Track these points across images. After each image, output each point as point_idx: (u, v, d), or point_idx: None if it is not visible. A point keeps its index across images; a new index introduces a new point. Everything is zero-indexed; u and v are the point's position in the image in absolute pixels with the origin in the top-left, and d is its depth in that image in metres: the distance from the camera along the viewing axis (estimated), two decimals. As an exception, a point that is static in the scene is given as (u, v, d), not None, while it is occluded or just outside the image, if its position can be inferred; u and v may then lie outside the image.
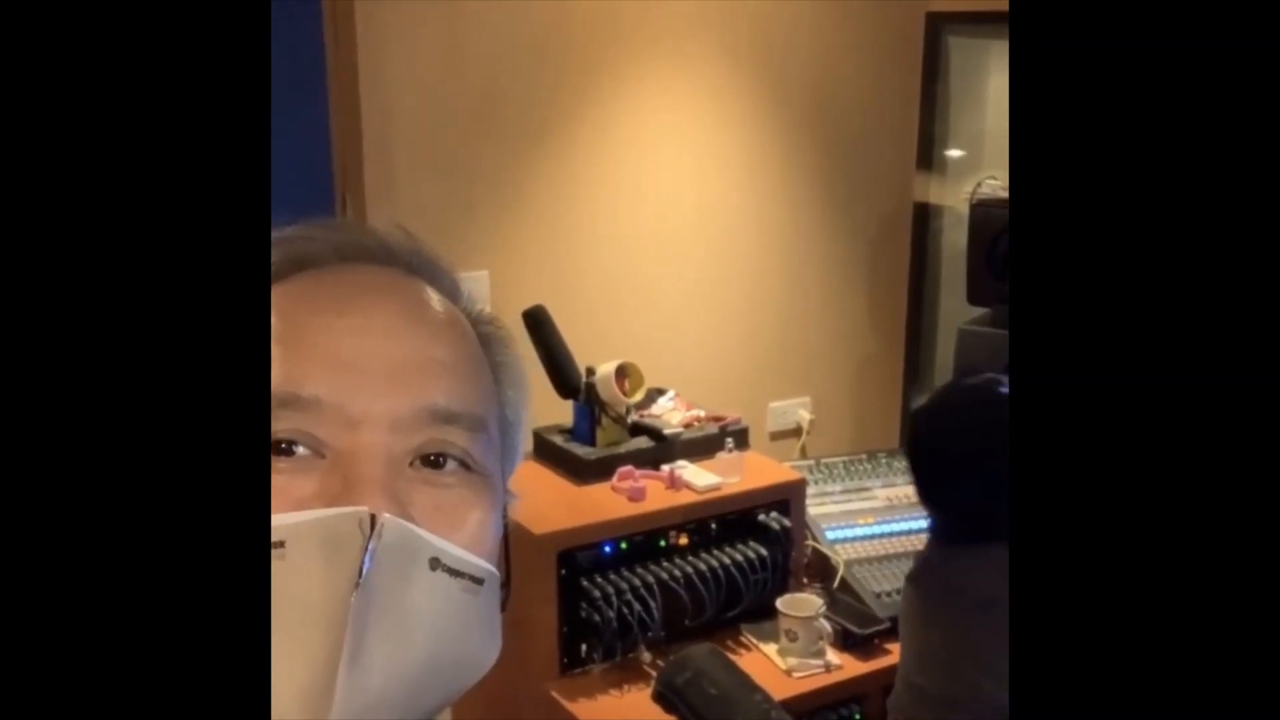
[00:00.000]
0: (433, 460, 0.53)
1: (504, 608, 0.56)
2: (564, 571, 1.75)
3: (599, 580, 1.77)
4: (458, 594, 0.52)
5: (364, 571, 0.48)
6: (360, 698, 0.48)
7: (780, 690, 1.66)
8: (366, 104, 1.93)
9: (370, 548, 0.48)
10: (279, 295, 0.55)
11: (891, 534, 2.07)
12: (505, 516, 0.58)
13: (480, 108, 2.04)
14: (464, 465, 0.54)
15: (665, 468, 1.92)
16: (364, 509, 0.49)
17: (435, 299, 0.58)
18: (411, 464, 0.53)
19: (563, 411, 2.00)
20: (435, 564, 0.51)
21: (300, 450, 0.51)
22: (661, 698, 1.49)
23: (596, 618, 1.74)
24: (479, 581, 0.53)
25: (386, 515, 0.49)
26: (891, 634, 1.84)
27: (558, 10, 2.08)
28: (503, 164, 2.09)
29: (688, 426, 2.04)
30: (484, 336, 0.61)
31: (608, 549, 1.79)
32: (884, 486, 2.18)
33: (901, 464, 2.20)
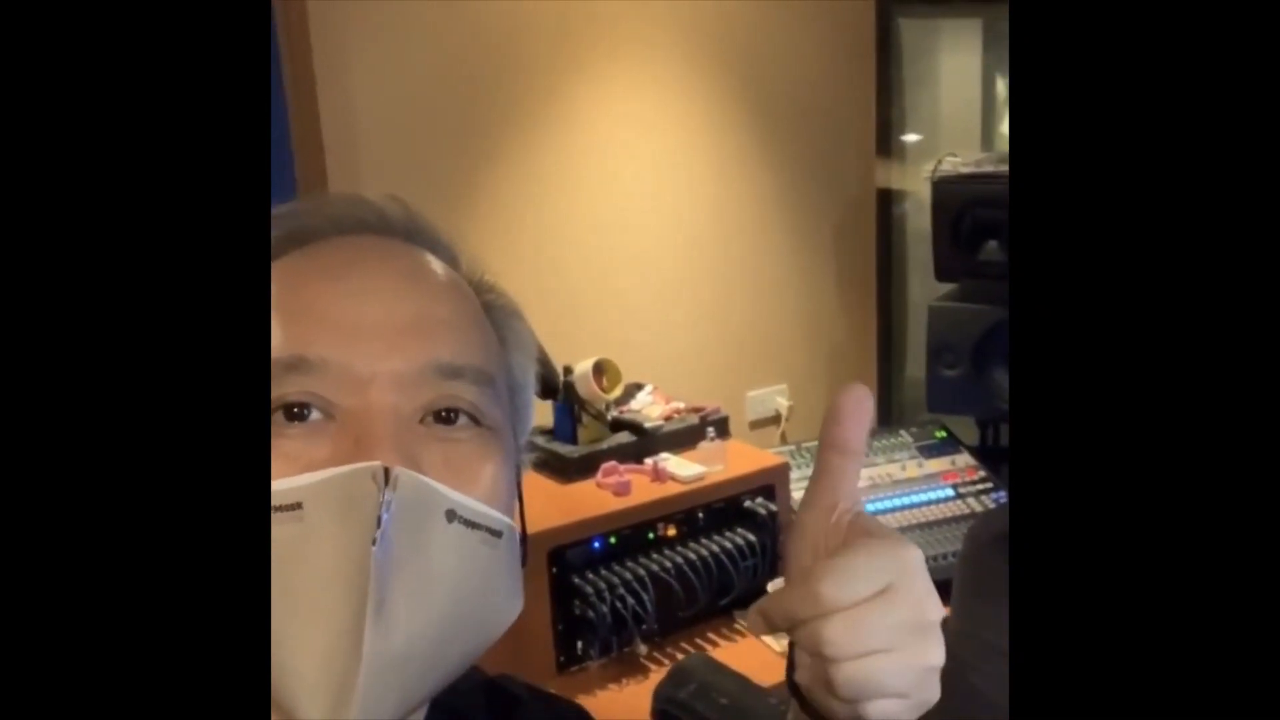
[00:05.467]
0: (443, 416, 0.53)
1: (524, 563, 0.56)
2: (554, 570, 1.74)
3: (590, 576, 1.76)
4: (477, 546, 0.52)
5: (381, 524, 0.47)
6: (387, 653, 0.47)
7: (777, 673, 1.65)
8: (325, 110, 1.92)
9: (385, 500, 0.48)
10: (279, 271, 0.55)
11: (874, 513, 2.07)
12: (519, 474, 0.59)
13: (444, 109, 2.04)
14: (474, 420, 0.54)
15: (648, 461, 1.92)
16: (377, 463, 0.49)
17: (435, 264, 0.59)
18: (422, 420, 0.53)
19: (543, 412, 1.99)
20: (452, 516, 0.50)
21: (313, 415, 0.51)
22: (664, 715, 1.43)
23: (590, 614, 1.74)
24: (497, 534, 0.53)
25: (399, 468, 0.49)
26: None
27: (517, 11, 2.08)
28: (469, 166, 2.09)
29: (668, 419, 2.04)
30: (487, 304, 0.61)
31: (597, 545, 1.79)
32: (865, 467, 2.18)
33: (881, 443, 2.21)
